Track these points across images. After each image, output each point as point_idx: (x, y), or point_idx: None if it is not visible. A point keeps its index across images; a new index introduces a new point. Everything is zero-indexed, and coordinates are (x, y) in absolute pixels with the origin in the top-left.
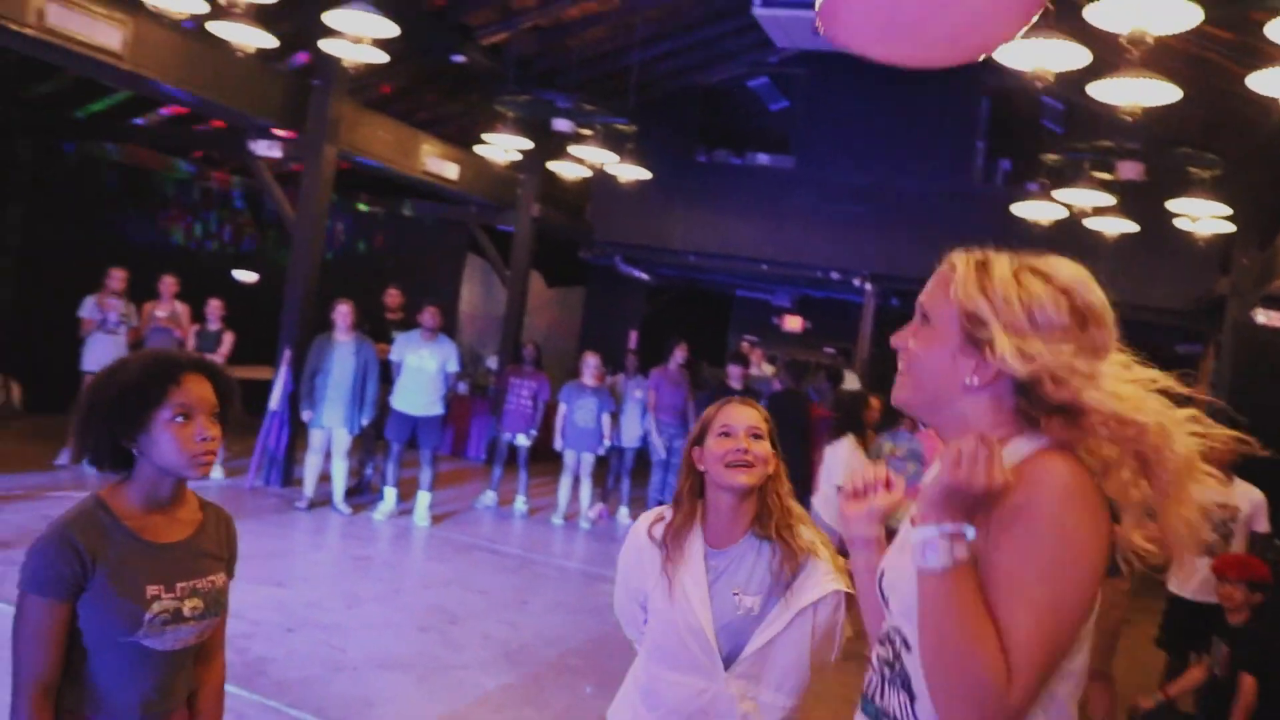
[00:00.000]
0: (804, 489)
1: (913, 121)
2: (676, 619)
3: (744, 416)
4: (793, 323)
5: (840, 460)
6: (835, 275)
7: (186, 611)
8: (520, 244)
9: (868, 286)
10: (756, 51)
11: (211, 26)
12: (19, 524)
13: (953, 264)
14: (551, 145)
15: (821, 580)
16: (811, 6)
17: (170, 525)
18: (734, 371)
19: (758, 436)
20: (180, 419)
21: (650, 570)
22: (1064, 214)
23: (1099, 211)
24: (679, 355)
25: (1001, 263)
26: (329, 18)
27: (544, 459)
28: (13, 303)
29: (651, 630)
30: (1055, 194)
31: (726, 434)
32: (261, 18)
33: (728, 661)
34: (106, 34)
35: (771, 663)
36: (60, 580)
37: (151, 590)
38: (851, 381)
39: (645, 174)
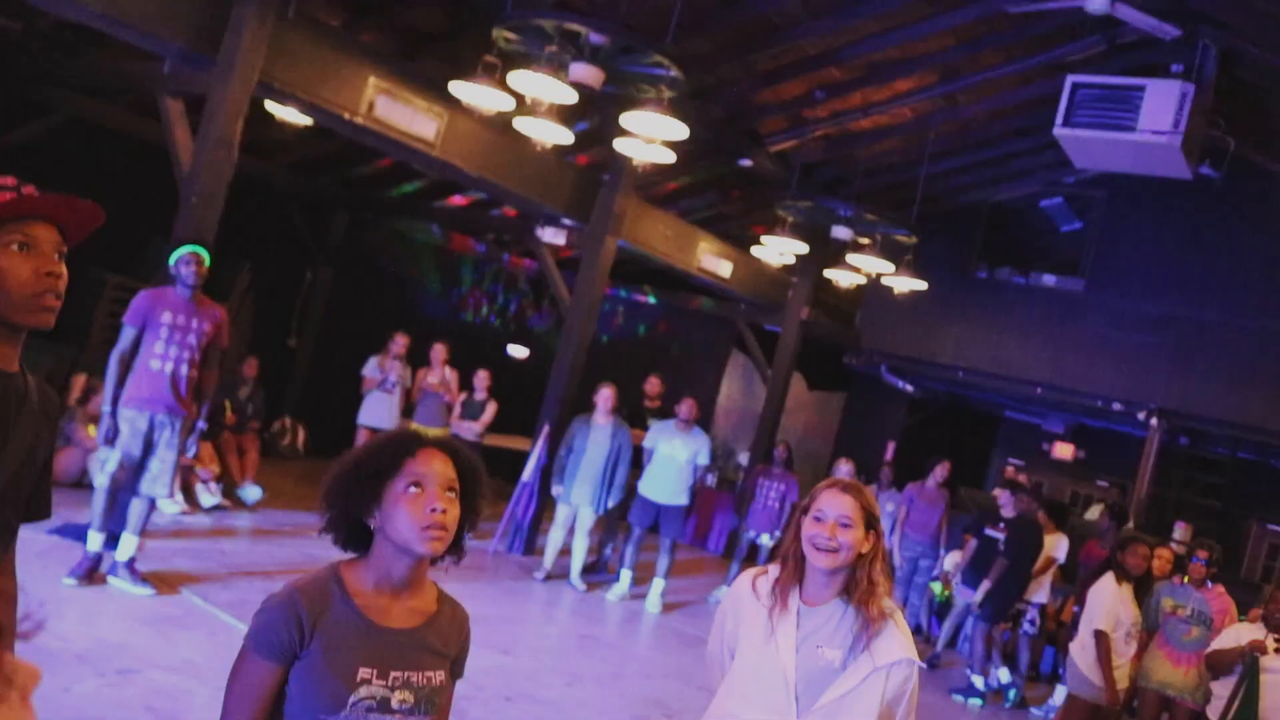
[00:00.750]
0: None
1: (1220, 250)
2: (765, 662)
3: (837, 504)
4: (1064, 450)
5: (1100, 602)
6: (1118, 406)
7: (395, 703)
8: (785, 345)
9: (1154, 421)
10: (1052, 171)
11: (516, 122)
12: (284, 558)
13: None
14: (828, 251)
15: (895, 647)
16: (1117, 129)
17: (400, 610)
18: (1004, 498)
19: (847, 525)
20: (413, 489)
21: (746, 619)
22: None
23: None
24: (939, 473)
25: None
26: (625, 119)
27: None
28: (313, 354)
29: (736, 670)
30: None
31: (819, 519)
32: (562, 116)
33: (802, 710)
34: (424, 125)
35: (842, 716)
36: (277, 644)
37: (363, 672)
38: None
39: (921, 285)
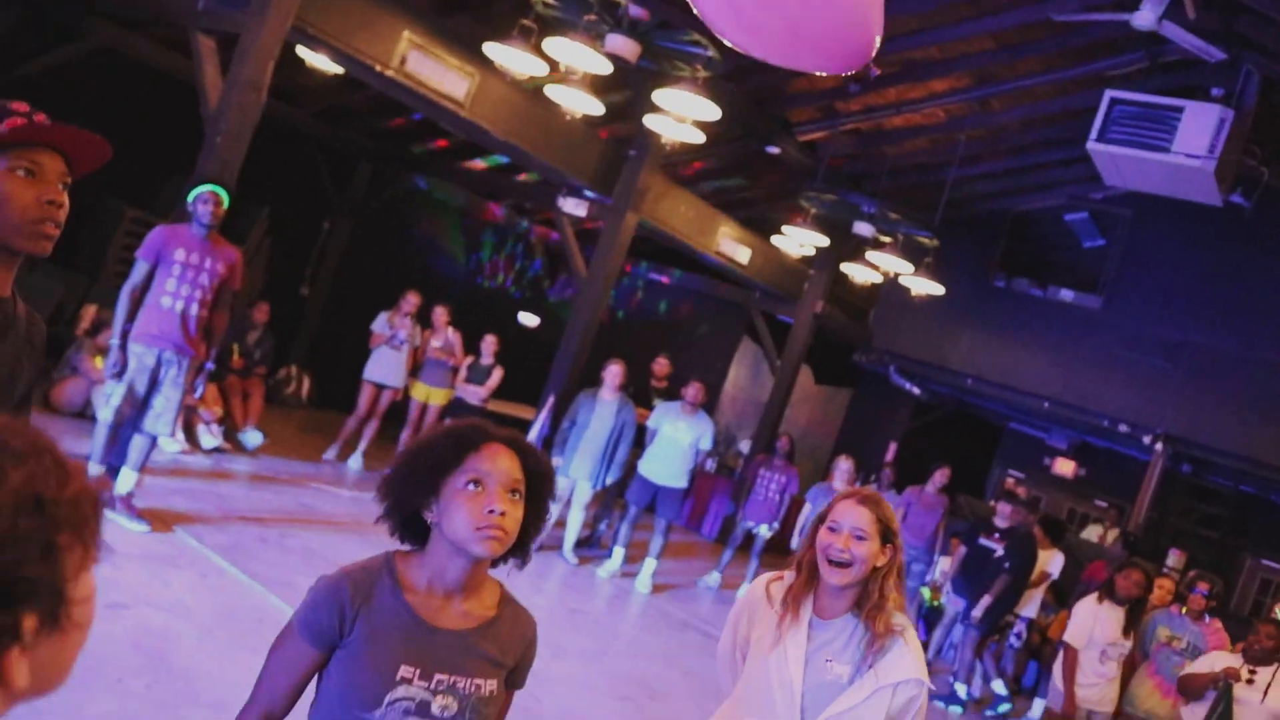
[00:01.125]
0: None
1: (1242, 280)
2: (772, 671)
3: (853, 516)
4: (1065, 467)
5: (1075, 617)
6: (1124, 428)
7: (435, 708)
8: (797, 337)
9: (1158, 446)
10: (1081, 185)
11: (547, 89)
12: (279, 506)
13: None
14: (848, 246)
15: (905, 665)
16: (1151, 149)
17: (452, 612)
18: (1003, 509)
19: (861, 538)
20: (472, 486)
21: (759, 625)
22: None
23: None
24: (939, 479)
25: None
26: (658, 95)
27: (776, 551)
28: (324, 305)
29: (746, 676)
30: None
31: (833, 529)
32: (594, 87)
33: None
34: (455, 83)
35: None
36: (317, 628)
37: (405, 671)
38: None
39: (939, 289)
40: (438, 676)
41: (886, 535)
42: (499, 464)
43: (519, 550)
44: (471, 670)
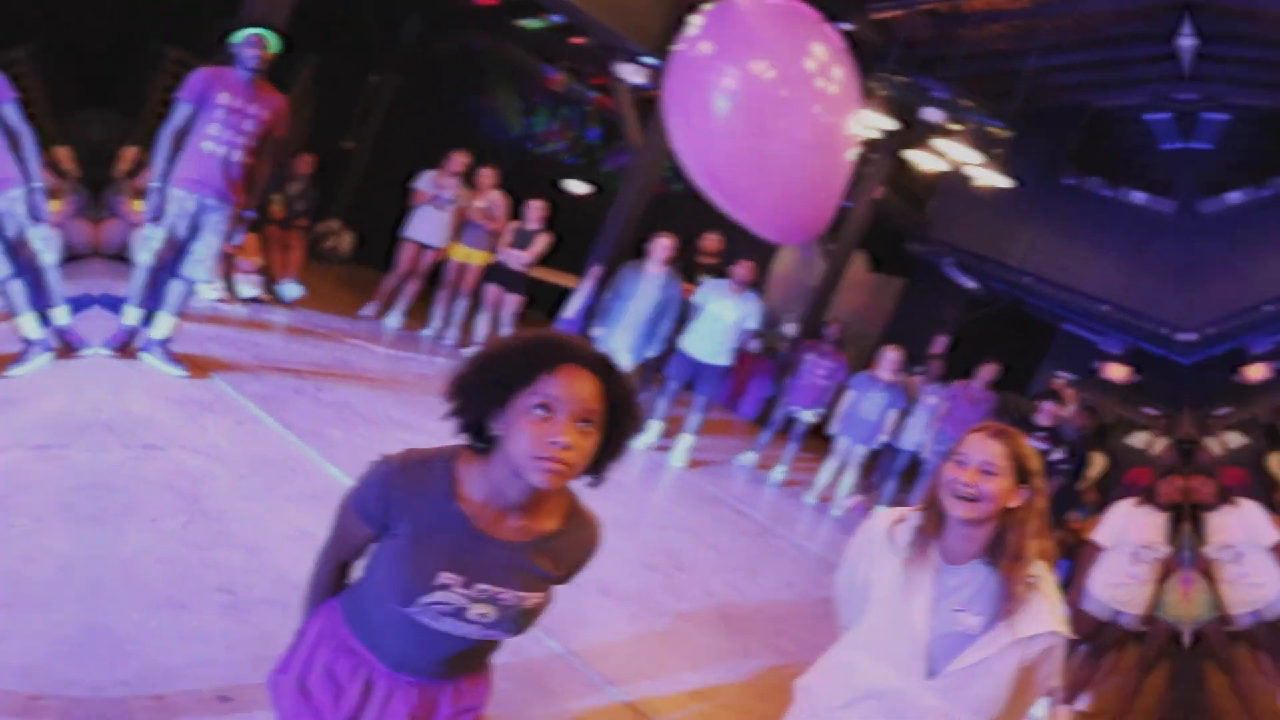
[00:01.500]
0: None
1: None
2: (896, 617)
3: (982, 450)
4: (1117, 372)
5: (1109, 518)
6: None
7: (472, 614)
8: (853, 221)
9: None
10: (1166, 85)
11: None
12: (316, 359)
13: None
14: (915, 132)
15: (1043, 618)
16: None
17: (507, 525)
18: (1046, 408)
19: (990, 473)
20: (539, 411)
21: (880, 566)
22: None
23: None
24: (985, 374)
25: None
26: None
27: (813, 435)
28: (368, 160)
29: (869, 620)
30: None
31: (960, 463)
32: None
33: (931, 673)
34: None
35: (973, 685)
36: (364, 509)
37: (445, 576)
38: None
39: (1007, 183)
40: (480, 586)
41: (1023, 474)
42: (574, 390)
43: (592, 473)
44: (517, 584)
